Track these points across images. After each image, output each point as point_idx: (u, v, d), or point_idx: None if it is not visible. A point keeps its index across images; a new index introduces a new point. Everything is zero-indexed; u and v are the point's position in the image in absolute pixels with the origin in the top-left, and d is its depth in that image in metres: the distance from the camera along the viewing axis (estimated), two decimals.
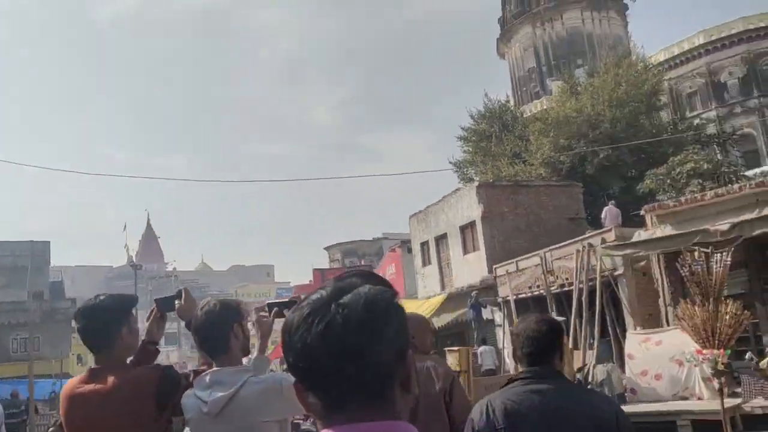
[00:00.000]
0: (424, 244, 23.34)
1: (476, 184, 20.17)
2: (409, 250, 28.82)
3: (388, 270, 32.31)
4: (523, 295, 17.40)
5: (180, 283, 76.06)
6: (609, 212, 19.61)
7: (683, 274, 9.21)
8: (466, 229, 20.87)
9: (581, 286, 14.70)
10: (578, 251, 15.10)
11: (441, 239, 22.38)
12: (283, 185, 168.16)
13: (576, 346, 13.58)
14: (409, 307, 18.61)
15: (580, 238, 15.65)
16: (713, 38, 38.61)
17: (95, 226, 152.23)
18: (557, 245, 16.36)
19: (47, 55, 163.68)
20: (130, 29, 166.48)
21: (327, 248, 57.48)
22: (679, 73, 38.63)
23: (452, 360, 13.39)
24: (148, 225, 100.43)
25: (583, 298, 14.43)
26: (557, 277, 16.09)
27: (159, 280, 58.03)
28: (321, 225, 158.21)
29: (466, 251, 20.86)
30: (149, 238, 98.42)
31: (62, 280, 47.34)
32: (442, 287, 22.11)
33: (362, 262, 48.08)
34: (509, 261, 18.14)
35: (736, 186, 11.93)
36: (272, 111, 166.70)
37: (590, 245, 14.78)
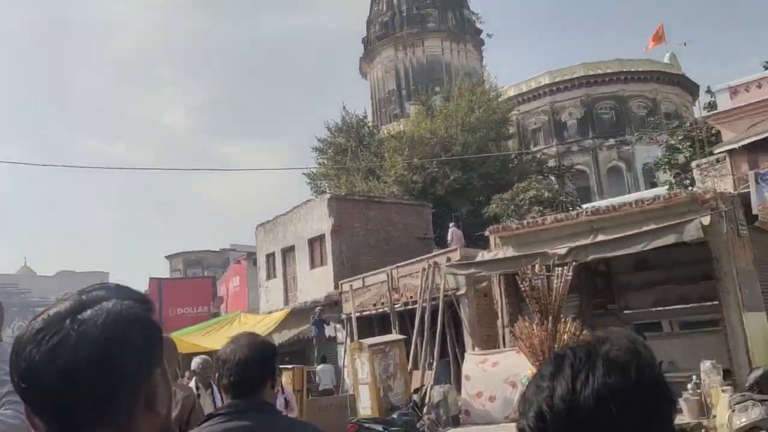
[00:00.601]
0: (270, 256, 22.30)
1: (328, 196, 19.60)
2: (255, 263, 27.63)
3: (232, 282, 30.77)
4: (368, 312, 16.98)
5: None
6: (454, 234, 19.91)
7: (523, 289, 9.14)
8: (315, 242, 20.17)
9: (425, 304, 14.53)
10: (424, 269, 14.96)
11: (288, 252, 21.48)
12: (125, 188, 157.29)
13: (416, 366, 13.29)
14: (250, 321, 17.51)
15: (427, 256, 15.55)
16: (557, 80, 41.53)
17: None
18: (404, 263, 16.15)
19: None
20: None
21: (169, 257, 54.25)
22: (526, 108, 41.06)
23: (286, 379, 12.54)
24: None
25: (426, 317, 14.25)
26: (402, 294, 15.85)
27: None
28: (165, 233, 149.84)
29: (313, 265, 20.13)
30: None
31: None
32: (286, 302, 21.18)
33: (206, 273, 45.77)
34: (356, 277, 17.68)
35: (573, 212, 12.35)
36: (117, 109, 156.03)
37: (436, 263, 14.69)
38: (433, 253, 15.74)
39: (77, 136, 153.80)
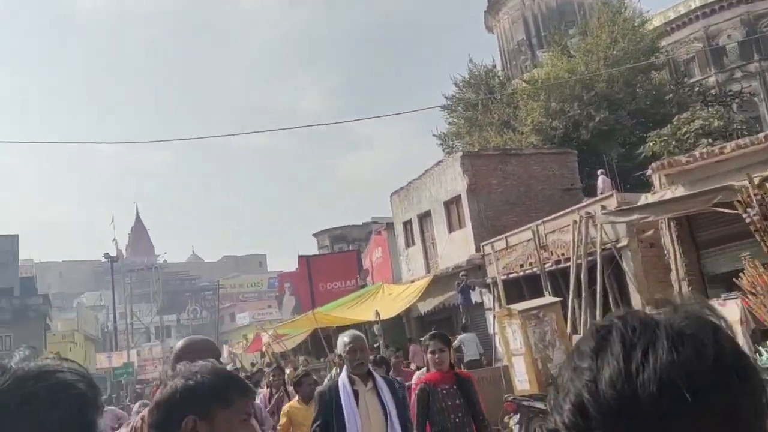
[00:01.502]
0: (407, 224, 21.44)
1: (460, 154, 18.23)
2: (396, 232, 27.00)
3: (374, 254, 30.48)
4: (515, 275, 15.53)
5: (164, 273, 74.28)
6: (604, 181, 17.80)
7: (749, 220, 7.20)
8: (451, 204, 18.96)
9: (580, 261, 12.83)
10: (575, 222, 13.22)
11: (424, 217, 20.47)
12: (272, 174, 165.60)
13: (575, 332, 11.74)
14: (393, 291, 16.69)
15: (577, 206, 13.76)
16: (710, 0, 36.68)
17: (83, 220, 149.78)
18: (551, 217, 14.48)
19: (26, 45, 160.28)
20: (109, 23, 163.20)
21: (315, 235, 55.79)
22: (675, 38, 36.67)
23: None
24: (137, 217, 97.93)
25: (582, 276, 12.56)
26: (552, 252, 14.22)
27: (139, 272, 56.04)
28: (311, 212, 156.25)
29: (451, 229, 18.97)
30: (139, 231, 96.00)
31: (34, 275, 45.25)
32: (427, 269, 20.25)
33: (351, 248, 46.35)
34: (498, 237, 16.27)
35: (761, 135, 10.02)
36: (257, 102, 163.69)
37: (588, 214, 12.89)
38: (584, 203, 13.91)
39: (229, 130, 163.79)
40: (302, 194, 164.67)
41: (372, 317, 16.82)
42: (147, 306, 67.24)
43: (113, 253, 43.86)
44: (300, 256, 41.04)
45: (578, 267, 12.81)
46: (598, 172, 18.27)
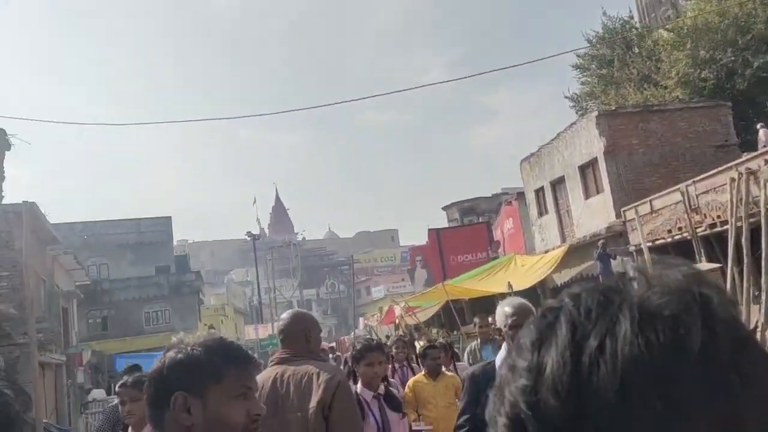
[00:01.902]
0: (539, 192, 20.47)
1: (595, 113, 16.96)
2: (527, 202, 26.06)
3: (505, 225, 29.68)
4: (661, 241, 14.26)
5: (303, 250, 77.58)
6: (766, 134, 15.80)
7: None
8: (587, 168, 17.79)
9: (740, 224, 11.45)
10: (733, 180, 11.80)
11: (558, 184, 19.42)
12: (402, 148, 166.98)
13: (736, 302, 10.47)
14: (527, 263, 16.07)
15: (735, 162, 12.27)
16: None
17: (229, 202, 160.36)
18: (703, 176, 13.06)
19: (163, 35, 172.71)
20: (241, 7, 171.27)
21: (444, 208, 55.58)
22: None
23: None
24: (277, 198, 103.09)
25: (743, 240, 11.20)
26: (705, 215, 12.83)
27: (279, 249, 58.89)
28: (440, 185, 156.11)
29: (588, 195, 17.82)
30: (279, 211, 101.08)
31: (187, 254, 49.00)
32: (562, 239, 19.25)
33: (480, 220, 45.66)
34: (642, 201, 15.00)
35: None
36: (382, 78, 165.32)
37: (749, 171, 11.44)
38: (744, 158, 12.37)
39: (356, 110, 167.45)
40: (431, 168, 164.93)
41: (504, 289, 16.26)
42: (288, 281, 70.81)
43: (257, 232, 46.32)
44: (430, 230, 41.07)
45: (738, 231, 11.45)
46: (758, 125, 16.28)
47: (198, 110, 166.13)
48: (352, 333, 38.67)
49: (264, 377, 2.91)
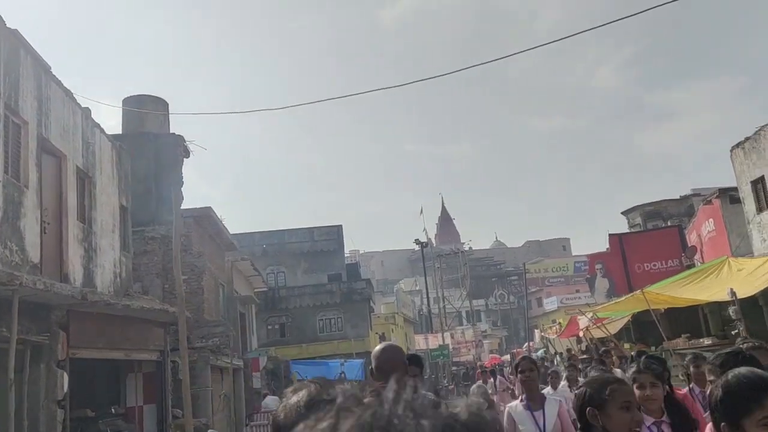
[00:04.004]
0: (758, 182, 17.12)
1: None
2: (732, 200, 22.40)
3: (704, 228, 26.01)
4: None
5: (470, 260, 76.12)
6: None
7: None
8: None
9: None
10: None
11: None
12: (570, 155, 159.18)
13: None
14: (745, 267, 13.22)
15: None
16: None
17: (396, 213, 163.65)
18: None
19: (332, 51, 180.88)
20: (410, 24, 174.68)
21: (625, 212, 51.24)
22: None
23: None
24: (443, 208, 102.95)
25: None
26: None
27: (447, 258, 57.92)
28: (617, 191, 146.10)
29: None
30: (445, 220, 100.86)
31: (358, 262, 49.70)
32: None
33: (669, 224, 41.16)
34: None
35: None
36: (548, 83, 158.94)
37: None
38: None
39: (520, 117, 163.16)
40: (604, 174, 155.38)
41: (725, 296, 13.49)
42: (456, 291, 69.73)
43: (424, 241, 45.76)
44: (611, 235, 37.72)
45: None
46: None
47: (359, 124, 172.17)
48: (526, 345, 36.42)
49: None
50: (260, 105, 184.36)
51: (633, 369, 3.49)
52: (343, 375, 23.83)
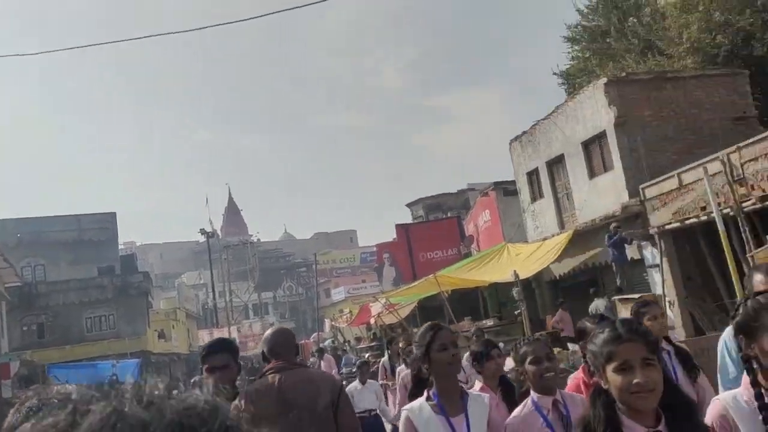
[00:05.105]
0: (533, 174, 18.42)
1: (604, 80, 14.99)
2: (505, 192, 24.09)
3: (481, 218, 27.70)
4: (693, 220, 12.30)
5: (259, 251, 74.44)
6: None
7: None
8: (592, 144, 15.81)
9: None
10: None
11: (555, 164, 17.41)
12: (358, 150, 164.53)
13: None
14: (523, 251, 13.71)
15: None
16: None
17: (179, 204, 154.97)
18: (751, 140, 11.15)
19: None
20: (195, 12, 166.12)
21: (409, 205, 53.75)
22: None
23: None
24: (230, 198, 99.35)
25: None
26: (753, 187, 10.91)
27: (235, 249, 55.74)
28: (399, 187, 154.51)
29: (593, 174, 15.84)
30: (232, 212, 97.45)
31: (134, 253, 45.46)
32: (561, 225, 17.25)
33: (448, 215, 43.96)
34: (667, 176, 13.04)
35: None
36: (336, 81, 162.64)
37: None
38: None
39: (309, 112, 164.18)
40: (390, 170, 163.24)
41: (509, 277, 14.13)
42: (244, 284, 67.56)
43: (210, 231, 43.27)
44: (398, 225, 39.01)
45: None
46: None
47: (152, 112, 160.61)
48: (316, 335, 36.18)
49: (269, 382, 3.32)
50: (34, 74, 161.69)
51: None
52: (115, 377, 21.12)
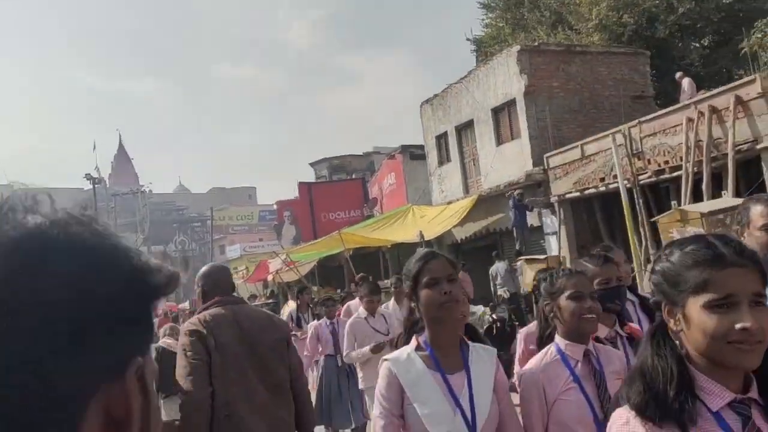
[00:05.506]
0: (441, 138, 18.50)
1: (517, 48, 15.16)
2: (412, 156, 24.21)
3: (386, 181, 27.72)
4: (592, 191, 12.81)
5: (150, 203, 71.19)
6: (690, 84, 14.91)
7: None
8: (501, 111, 16.03)
9: (698, 170, 10.11)
10: (690, 120, 10.43)
11: (465, 129, 17.55)
12: (262, 106, 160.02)
13: None
14: (427, 214, 13.83)
15: (694, 100, 10.93)
16: None
17: (66, 148, 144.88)
18: (651, 116, 11.67)
19: None
20: None
21: (312, 164, 53.01)
22: None
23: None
24: (120, 146, 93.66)
25: (705, 185, 9.86)
26: (649, 161, 11.46)
27: (124, 198, 52.90)
28: (304, 146, 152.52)
29: (500, 141, 16.10)
30: (122, 160, 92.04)
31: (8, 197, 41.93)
32: (466, 190, 17.50)
33: (353, 177, 43.80)
34: (571, 146, 13.45)
35: None
36: (244, 33, 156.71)
37: (714, 109, 10.08)
38: (705, 94, 11.05)
39: (210, 62, 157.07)
40: (294, 128, 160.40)
41: (415, 238, 14.18)
42: (133, 236, 64.41)
43: (96, 178, 40.58)
44: (300, 183, 38.27)
45: (696, 176, 10.12)
46: (677, 75, 15.38)
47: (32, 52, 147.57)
48: None
49: (224, 312, 3.23)
50: None
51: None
52: None
